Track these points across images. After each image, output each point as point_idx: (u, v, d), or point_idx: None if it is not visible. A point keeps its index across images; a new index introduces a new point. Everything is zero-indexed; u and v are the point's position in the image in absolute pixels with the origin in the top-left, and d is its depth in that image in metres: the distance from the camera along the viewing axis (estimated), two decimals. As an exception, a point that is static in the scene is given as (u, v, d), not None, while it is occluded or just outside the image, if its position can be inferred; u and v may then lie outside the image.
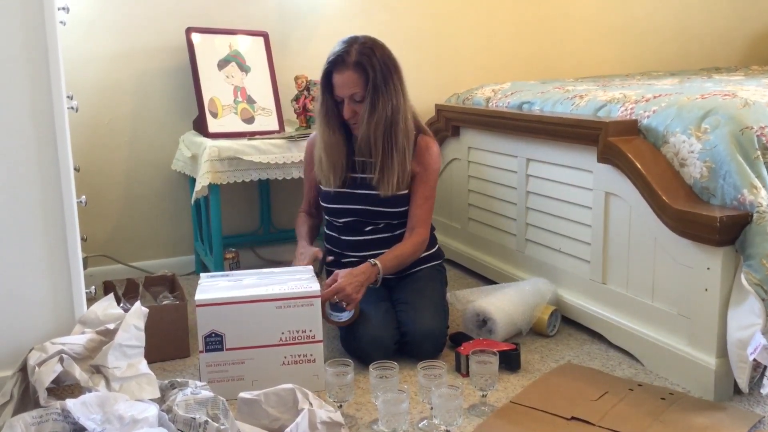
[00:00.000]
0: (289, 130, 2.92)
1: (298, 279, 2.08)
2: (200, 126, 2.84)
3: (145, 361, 1.71)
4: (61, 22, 1.80)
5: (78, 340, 1.69)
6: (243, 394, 1.71)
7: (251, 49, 2.98)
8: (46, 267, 1.80)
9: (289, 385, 1.71)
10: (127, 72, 2.96)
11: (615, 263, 2.26)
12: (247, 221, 3.23)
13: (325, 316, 2.11)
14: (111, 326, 1.74)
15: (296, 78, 2.92)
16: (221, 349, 1.96)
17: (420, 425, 1.83)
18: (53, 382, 1.58)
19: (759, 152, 1.91)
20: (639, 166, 2.05)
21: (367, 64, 2.17)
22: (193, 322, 2.16)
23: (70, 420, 1.49)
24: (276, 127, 2.90)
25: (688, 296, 1.98)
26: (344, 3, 3.26)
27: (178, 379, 1.69)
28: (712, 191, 1.94)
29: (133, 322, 1.73)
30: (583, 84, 2.94)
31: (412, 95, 2.31)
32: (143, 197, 3.06)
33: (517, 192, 2.70)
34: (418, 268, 2.37)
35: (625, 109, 2.26)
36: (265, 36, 3.02)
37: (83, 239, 1.92)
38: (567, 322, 2.45)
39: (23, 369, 1.65)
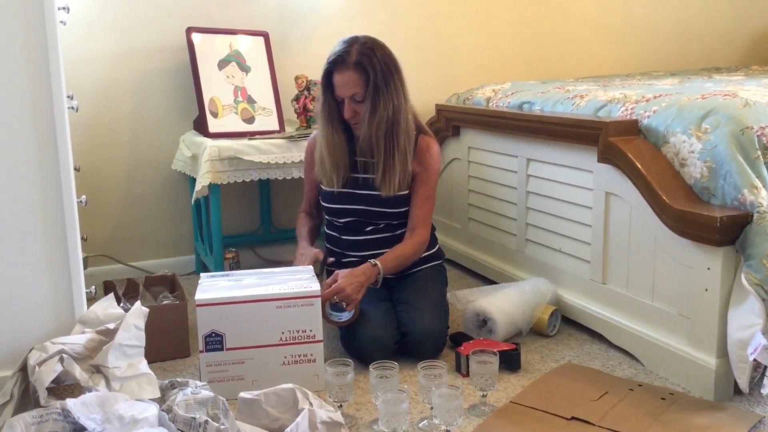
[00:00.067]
0: (290, 130, 2.92)
1: (298, 279, 2.08)
2: (200, 126, 2.84)
3: (145, 361, 1.71)
4: (61, 22, 1.80)
5: (78, 339, 1.70)
6: (243, 394, 1.71)
7: (251, 49, 2.98)
8: (46, 267, 1.80)
9: (289, 385, 1.71)
10: (127, 72, 2.96)
11: (615, 263, 2.26)
12: (247, 221, 3.23)
13: (325, 316, 2.11)
14: (111, 326, 1.74)
15: (296, 78, 2.92)
16: (221, 349, 1.96)
17: (420, 425, 1.83)
18: (53, 381, 1.58)
19: (759, 152, 1.91)
20: (639, 166, 2.05)
21: (367, 64, 2.17)
22: (193, 321, 2.16)
23: (70, 420, 1.49)
24: (276, 127, 2.90)
25: (688, 296, 1.98)
26: (344, 3, 3.26)
27: (178, 379, 1.69)
28: (713, 191, 1.94)
29: (133, 321, 1.74)
30: (583, 84, 2.94)
31: (413, 95, 2.31)
32: (143, 197, 3.07)
33: (518, 192, 2.70)
34: (419, 268, 2.37)
35: (626, 109, 2.26)
36: (266, 36, 3.02)
37: (83, 239, 1.92)
38: (567, 322, 2.45)
39: (23, 369, 1.65)
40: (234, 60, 2.93)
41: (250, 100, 2.91)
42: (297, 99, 2.93)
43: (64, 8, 1.94)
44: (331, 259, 2.36)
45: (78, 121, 2.67)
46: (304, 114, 2.93)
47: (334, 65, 2.20)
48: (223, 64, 2.90)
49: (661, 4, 3.94)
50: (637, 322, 2.17)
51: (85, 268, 1.94)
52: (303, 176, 2.57)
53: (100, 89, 2.93)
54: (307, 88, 2.90)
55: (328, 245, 2.44)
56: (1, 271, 1.77)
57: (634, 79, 3.14)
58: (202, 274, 2.16)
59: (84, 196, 1.94)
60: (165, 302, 2.34)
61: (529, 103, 2.72)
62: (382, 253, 2.25)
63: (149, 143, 3.03)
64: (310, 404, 1.66)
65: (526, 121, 2.58)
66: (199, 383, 1.67)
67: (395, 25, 3.34)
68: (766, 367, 1.83)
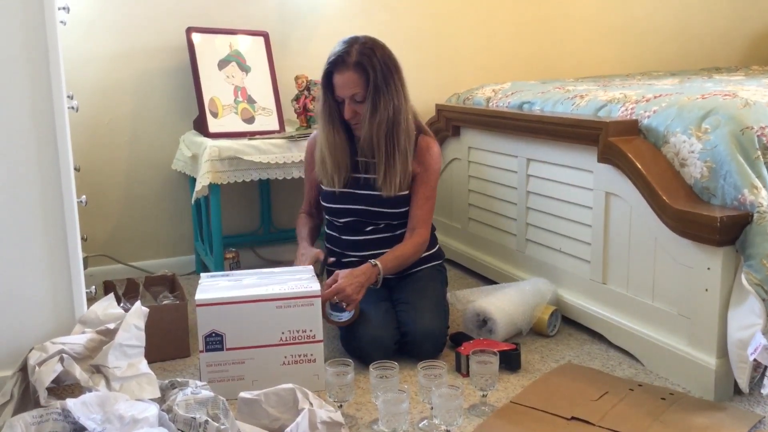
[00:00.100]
0: (290, 129, 2.92)
1: (298, 279, 2.08)
2: (200, 126, 2.84)
3: (145, 361, 1.71)
4: (62, 22, 1.80)
5: (78, 339, 1.69)
6: (243, 394, 1.71)
7: (251, 49, 2.98)
8: (46, 267, 1.80)
9: (290, 385, 1.71)
10: (127, 72, 2.96)
11: (615, 263, 2.26)
12: (247, 221, 3.23)
13: (325, 316, 2.11)
14: (111, 326, 1.74)
15: (296, 78, 2.92)
16: (221, 349, 1.96)
17: (420, 425, 1.83)
18: (53, 381, 1.58)
19: (759, 152, 1.91)
20: (639, 166, 2.05)
21: (367, 64, 2.17)
22: (193, 321, 2.16)
23: (71, 420, 1.49)
24: (276, 127, 2.90)
25: (688, 296, 1.98)
26: (344, 3, 3.26)
27: (179, 379, 1.69)
28: (713, 191, 1.94)
29: (133, 321, 1.74)
30: (583, 84, 2.94)
31: (413, 95, 2.31)
32: (143, 197, 3.07)
33: (518, 192, 2.70)
34: (419, 268, 2.37)
35: (626, 109, 2.26)
36: (266, 36, 3.02)
37: (83, 239, 1.92)
38: (567, 322, 2.45)
39: (23, 369, 1.65)
40: (234, 60, 2.93)
41: (250, 100, 2.91)
42: (297, 99, 2.93)
43: (64, 8, 1.94)
44: (332, 259, 2.36)
45: (78, 121, 2.67)
46: (304, 114, 2.93)
47: (334, 65, 2.20)
48: (223, 64, 2.90)
49: (661, 4, 3.94)
50: (637, 322, 2.17)
51: (85, 268, 1.93)
52: (303, 176, 2.57)
53: (100, 89, 2.93)
54: (307, 88, 2.90)
55: (328, 245, 2.44)
56: (1, 271, 1.77)
57: (634, 79, 3.14)
58: (202, 274, 2.16)
59: (84, 196, 1.94)
60: (165, 302, 2.34)
61: (529, 103, 2.72)
62: (382, 253, 2.25)
63: (149, 143, 3.03)
64: (310, 404, 1.66)
65: (526, 121, 2.58)
66: (199, 383, 1.67)
67: (395, 25, 3.34)
68: (766, 367, 1.83)
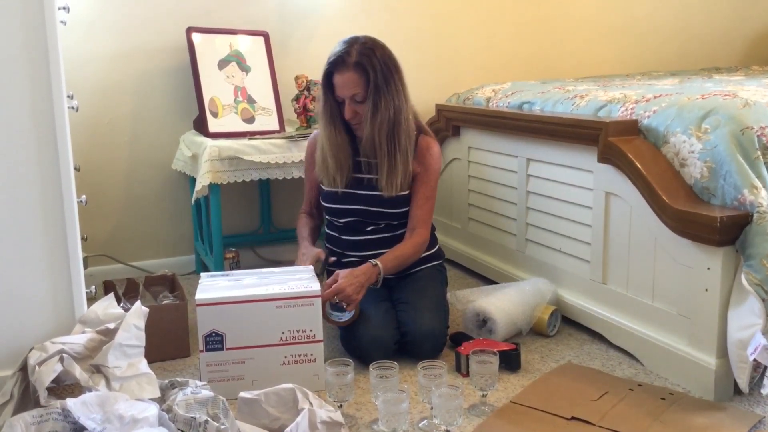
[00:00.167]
0: (290, 129, 2.92)
1: (298, 279, 2.08)
2: (200, 126, 2.84)
3: (145, 361, 1.71)
4: (62, 22, 1.80)
5: (78, 339, 1.70)
6: (243, 394, 1.71)
7: (251, 48, 2.98)
8: (46, 267, 1.80)
9: (289, 385, 1.71)
10: (127, 72, 2.96)
11: (615, 263, 2.26)
12: (247, 221, 3.23)
13: (325, 316, 2.11)
14: (111, 326, 1.74)
15: (296, 78, 2.92)
16: (221, 349, 1.96)
17: (420, 425, 1.83)
18: (53, 381, 1.58)
19: (759, 152, 1.91)
20: (639, 166, 2.05)
21: (367, 64, 2.17)
22: (193, 321, 2.16)
23: (70, 419, 1.49)
24: (276, 127, 2.90)
25: (688, 296, 1.98)
26: (344, 3, 3.26)
27: (179, 379, 1.69)
28: (713, 191, 1.94)
29: (133, 321, 1.74)
30: (583, 84, 2.94)
31: (413, 95, 2.31)
32: (143, 197, 3.07)
33: (518, 192, 2.70)
34: (419, 268, 2.37)
35: (626, 109, 2.26)
36: (266, 36, 3.02)
37: (83, 239, 1.92)
38: (567, 322, 2.45)
39: (23, 368, 1.65)
40: (234, 60, 2.93)
41: (250, 100, 2.91)
42: (297, 99, 2.93)
43: (64, 8, 1.94)
44: (333, 259, 2.36)
45: (78, 121, 2.67)
46: (304, 114, 2.93)
47: (335, 66, 2.20)
48: (223, 64, 2.90)
49: (661, 4, 3.94)
50: (637, 322, 2.17)
51: (85, 268, 1.93)
52: (303, 176, 2.57)
53: (100, 89, 2.93)
54: (307, 88, 2.90)
55: (328, 245, 2.44)
56: (1, 271, 1.77)
57: (634, 79, 3.14)
58: (202, 274, 2.16)
59: (84, 196, 1.94)
60: (165, 302, 2.34)
61: (529, 103, 2.72)
62: (383, 253, 2.25)
63: (149, 143, 3.03)
64: (310, 404, 1.66)
65: (526, 121, 2.58)
66: (199, 383, 1.67)
67: (395, 25, 3.34)
68: (766, 367, 1.83)
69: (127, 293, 2.41)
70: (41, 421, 1.48)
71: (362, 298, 2.15)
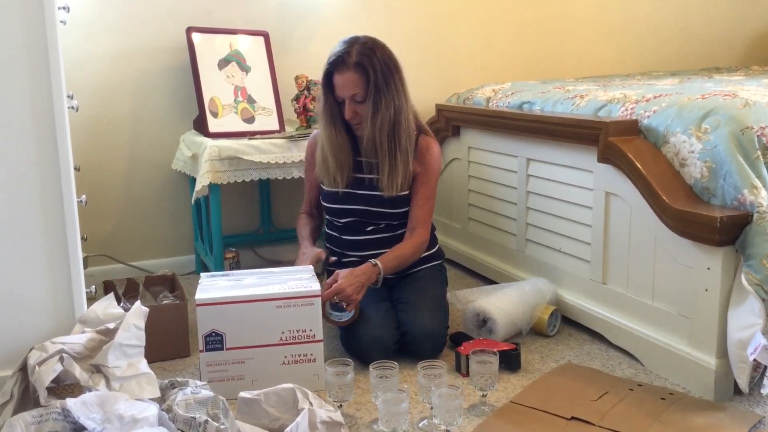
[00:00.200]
0: (290, 129, 2.92)
1: (298, 278, 2.08)
2: (200, 125, 2.84)
3: (145, 361, 1.71)
4: (62, 22, 1.80)
5: (78, 339, 1.70)
6: (243, 394, 1.71)
7: (251, 48, 2.98)
8: (46, 267, 1.80)
9: (289, 385, 1.71)
10: (127, 72, 2.96)
11: (615, 263, 2.26)
12: (247, 221, 3.23)
13: (325, 316, 2.11)
14: (111, 326, 1.74)
15: (296, 78, 2.92)
16: (221, 349, 1.96)
17: (420, 425, 1.83)
18: (53, 381, 1.59)
19: (759, 152, 1.91)
20: (639, 166, 2.05)
21: (367, 64, 2.17)
22: (193, 321, 2.16)
23: (70, 419, 1.49)
24: (276, 127, 2.90)
25: (688, 296, 1.98)
26: (344, 3, 3.26)
27: (178, 379, 1.69)
28: (713, 191, 1.94)
29: (133, 321, 1.74)
30: (583, 84, 2.94)
31: (413, 95, 2.30)
32: (143, 197, 3.07)
33: (518, 192, 2.70)
34: (419, 268, 2.37)
35: (626, 109, 2.26)
36: (266, 36, 3.02)
37: (83, 239, 1.92)
38: (567, 322, 2.45)
39: (23, 368, 1.65)
40: (234, 60, 2.93)
41: (250, 100, 2.91)
42: (297, 99, 2.93)
43: (64, 8, 1.94)
44: (333, 259, 2.35)
45: (78, 121, 2.67)
46: (304, 114, 2.93)
47: (335, 66, 2.20)
48: (223, 63, 2.90)
49: (661, 4, 3.94)
50: (637, 322, 2.17)
51: (85, 267, 1.94)
52: (303, 176, 2.57)
53: (100, 89, 2.93)
54: (307, 88, 2.90)
55: (328, 245, 2.44)
56: (1, 271, 1.77)
57: (634, 79, 3.14)
58: (202, 274, 2.16)
59: (84, 196, 1.94)
60: (165, 302, 2.34)
61: (529, 103, 2.72)
62: (383, 253, 2.25)
63: (149, 143, 3.03)
64: (310, 404, 1.66)
65: (526, 121, 2.58)
66: (199, 383, 1.67)
67: (395, 25, 3.34)
68: (766, 367, 1.83)
69: (127, 293, 2.41)
70: (41, 421, 1.48)
71: (362, 298, 2.15)
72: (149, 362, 1.73)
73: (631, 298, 2.20)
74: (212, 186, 2.65)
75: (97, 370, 1.66)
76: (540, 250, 2.62)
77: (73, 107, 1.91)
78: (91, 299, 1.89)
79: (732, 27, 4.14)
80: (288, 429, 1.56)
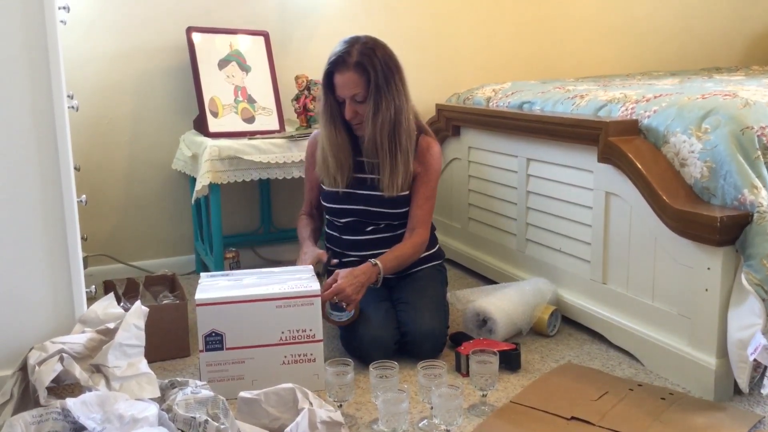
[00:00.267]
0: (290, 129, 2.92)
1: (298, 278, 2.08)
2: (201, 125, 2.84)
3: (145, 361, 1.71)
4: (62, 22, 1.80)
5: (78, 339, 1.70)
6: (243, 394, 1.71)
7: (252, 48, 2.98)
8: (46, 266, 1.80)
9: (289, 385, 1.71)
10: (127, 72, 2.96)
11: (615, 263, 2.26)
12: (247, 221, 3.23)
13: (325, 316, 2.11)
14: (111, 325, 1.74)
15: (297, 77, 2.92)
16: (221, 349, 1.96)
17: (420, 425, 1.83)
18: (53, 381, 1.58)
19: (759, 152, 1.91)
20: (639, 166, 2.05)
21: (368, 64, 2.17)
22: (193, 321, 2.16)
23: (70, 419, 1.49)
24: (276, 127, 2.90)
25: (688, 296, 1.98)
26: (344, 3, 3.26)
27: (178, 379, 1.69)
28: (713, 191, 1.94)
29: (133, 321, 1.74)
30: (583, 84, 2.94)
31: (413, 95, 2.30)
32: (143, 197, 3.07)
33: (518, 192, 2.70)
34: (419, 268, 2.37)
35: (626, 109, 2.26)
36: (266, 36, 3.02)
37: (83, 238, 1.92)
38: (567, 322, 2.45)
39: (23, 368, 1.65)
40: (234, 60, 2.93)
41: (251, 100, 2.91)
42: (297, 99, 2.93)
43: (64, 8, 1.94)
44: (335, 261, 2.33)
45: (78, 121, 2.67)
46: (304, 114, 2.93)
47: (335, 65, 2.20)
48: (223, 63, 2.90)
49: (661, 4, 3.94)
50: (637, 322, 2.17)
51: (85, 267, 1.93)
52: (303, 176, 2.57)
53: (100, 89, 2.93)
54: (308, 88, 2.90)
55: (328, 245, 2.44)
56: (1, 271, 1.77)
57: (634, 79, 3.14)
58: (202, 274, 2.16)
59: (84, 196, 1.94)
60: (165, 302, 2.34)
61: (529, 103, 2.72)
62: (383, 253, 2.25)
63: (149, 143, 3.03)
64: (310, 404, 1.66)
65: (526, 121, 2.58)
66: (199, 383, 1.67)
67: (395, 25, 3.34)
68: (766, 367, 1.83)
69: (127, 293, 2.41)
70: (41, 420, 1.48)
71: (362, 298, 2.15)
72: (149, 362, 1.73)
73: (631, 298, 2.20)
74: (212, 186, 2.65)
75: (97, 370, 1.66)
76: (540, 250, 2.62)
77: (73, 107, 1.91)
78: (91, 299, 1.89)
79: (732, 27, 4.14)
80: (288, 429, 1.56)
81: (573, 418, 1.79)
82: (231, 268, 2.69)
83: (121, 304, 2.15)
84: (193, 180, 2.81)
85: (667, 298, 2.07)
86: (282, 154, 2.70)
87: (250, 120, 2.88)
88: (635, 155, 2.08)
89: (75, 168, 1.85)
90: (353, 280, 2.13)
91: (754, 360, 1.76)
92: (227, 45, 2.93)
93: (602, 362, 2.19)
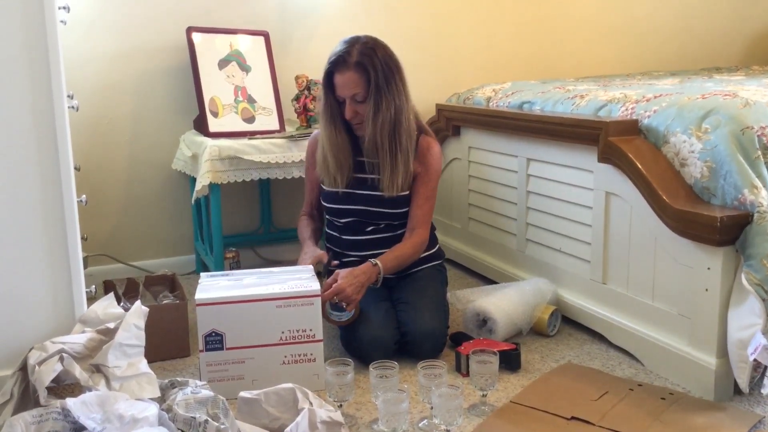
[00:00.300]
0: (290, 129, 2.92)
1: (298, 278, 2.08)
2: (201, 125, 2.84)
3: (145, 361, 1.71)
4: (62, 22, 1.80)
5: (78, 339, 1.69)
6: (243, 394, 1.71)
7: (252, 48, 2.98)
8: (46, 266, 1.80)
9: (289, 385, 1.71)
10: (127, 71, 2.96)
11: (615, 263, 2.26)
12: (247, 221, 3.23)
13: (325, 316, 2.11)
14: (111, 325, 1.74)
15: (297, 77, 2.92)
16: (221, 349, 1.96)
17: (420, 425, 1.83)
18: (53, 381, 1.58)
19: (759, 152, 1.91)
20: (639, 166, 2.05)
21: (368, 64, 2.17)
22: (193, 321, 2.16)
23: (70, 419, 1.48)
24: (276, 127, 2.90)
25: (688, 296, 1.98)
26: (344, 3, 3.26)
27: (178, 379, 1.69)
28: (713, 191, 1.94)
29: (133, 321, 1.74)
30: (583, 84, 2.94)
31: (413, 95, 2.30)
32: (143, 197, 3.07)
33: (518, 192, 2.70)
34: (419, 268, 2.37)
35: (626, 109, 2.26)
36: (266, 35, 3.02)
37: (83, 238, 1.92)
38: (567, 321, 2.45)
39: (23, 368, 1.65)
40: (234, 60, 2.93)
41: (251, 100, 2.91)
42: (297, 99, 2.93)
43: (64, 8, 1.94)
44: (336, 262, 2.32)
45: (78, 121, 2.66)
46: (304, 113, 2.93)
47: (335, 65, 2.20)
48: (223, 63, 2.90)
49: (661, 4, 3.94)
50: (637, 322, 2.17)
51: (85, 267, 1.93)
52: (303, 176, 2.57)
53: (100, 89, 2.93)
54: (308, 88, 2.90)
55: (328, 245, 2.44)
56: (1, 271, 1.77)
57: (634, 79, 3.14)
58: (202, 274, 2.16)
59: (84, 196, 1.94)
60: (165, 302, 2.34)
61: (529, 103, 2.72)
62: (383, 253, 2.25)
63: (149, 143, 3.03)
64: (310, 404, 1.66)
65: (526, 121, 2.58)
66: (199, 383, 1.67)
67: (395, 25, 3.34)
68: (766, 367, 1.83)
69: (127, 293, 2.41)
70: (41, 420, 1.48)
71: (362, 297, 2.15)
72: (149, 362, 1.73)
73: (631, 298, 2.20)
74: (212, 186, 2.65)
75: (97, 369, 1.66)
76: (540, 249, 2.62)
77: (73, 107, 1.91)
78: (91, 299, 1.89)
79: (732, 27, 4.14)
80: (288, 429, 1.56)
81: (573, 418, 1.79)
82: (231, 268, 2.69)
83: (121, 304, 2.15)
84: (193, 180, 2.82)
85: (667, 298, 2.07)
86: (282, 154, 2.70)
87: (250, 120, 2.88)
88: (635, 155, 2.08)
89: (75, 168, 1.85)
90: (353, 280, 2.13)
91: (754, 360, 1.76)
92: (227, 45, 2.93)
93: (602, 362, 2.19)
